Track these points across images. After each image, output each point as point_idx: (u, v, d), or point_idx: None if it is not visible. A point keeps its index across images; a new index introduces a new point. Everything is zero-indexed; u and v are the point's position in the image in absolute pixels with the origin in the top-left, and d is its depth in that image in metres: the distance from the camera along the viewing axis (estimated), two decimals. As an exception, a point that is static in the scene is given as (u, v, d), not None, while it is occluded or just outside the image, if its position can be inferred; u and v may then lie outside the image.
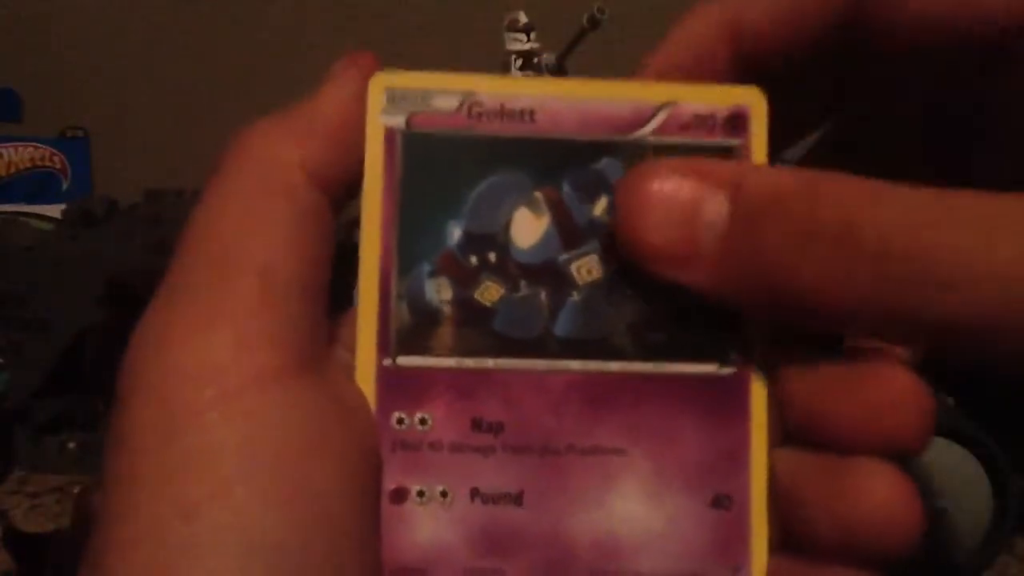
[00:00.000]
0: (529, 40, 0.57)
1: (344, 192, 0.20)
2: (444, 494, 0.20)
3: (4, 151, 0.87)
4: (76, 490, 0.47)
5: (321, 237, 0.20)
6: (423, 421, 0.20)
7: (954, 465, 0.40)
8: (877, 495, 0.18)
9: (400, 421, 0.20)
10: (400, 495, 0.20)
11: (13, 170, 0.87)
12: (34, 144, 0.87)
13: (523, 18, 0.56)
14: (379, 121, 0.20)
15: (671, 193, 0.19)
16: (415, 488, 0.20)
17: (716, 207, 0.18)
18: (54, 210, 0.71)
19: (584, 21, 0.55)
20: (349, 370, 0.20)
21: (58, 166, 0.88)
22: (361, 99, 0.20)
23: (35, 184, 0.87)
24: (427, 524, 0.19)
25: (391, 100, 0.20)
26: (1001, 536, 0.41)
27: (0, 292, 0.56)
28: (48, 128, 0.88)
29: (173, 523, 0.16)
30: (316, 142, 0.20)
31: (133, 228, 0.59)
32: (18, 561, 0.47)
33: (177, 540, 0.16)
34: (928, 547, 0.41)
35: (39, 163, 0.88)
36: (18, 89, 0.87)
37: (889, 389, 0.19)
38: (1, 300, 0.56)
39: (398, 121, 0.20)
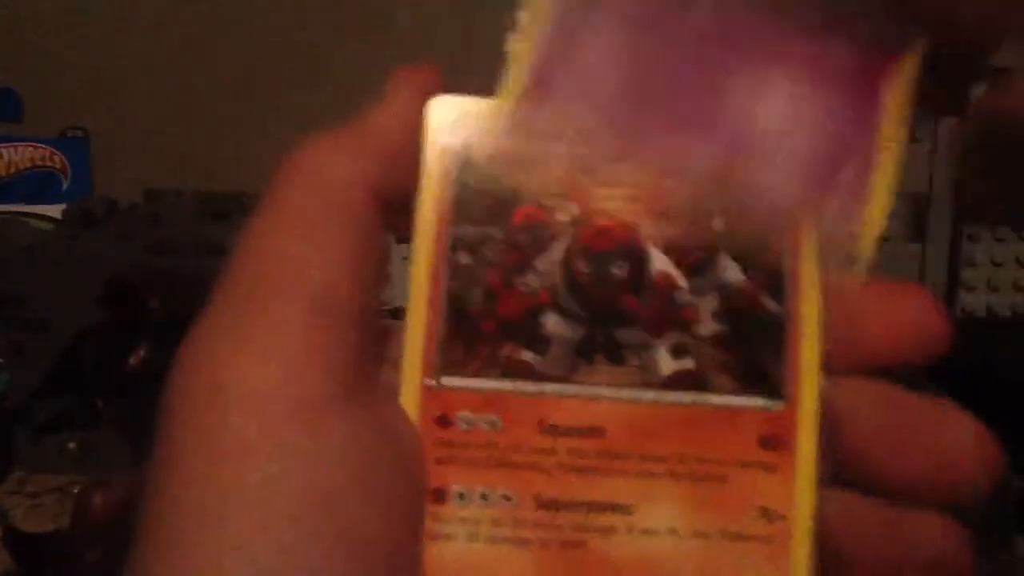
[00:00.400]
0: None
1: (401, 210, 0.20)
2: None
3: (4, 151, 0.87)
4: (76, 490, 0.47)
5: (377, 259, 0.19)
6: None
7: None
8: (934, 549, 0.18)
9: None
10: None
11: (13, 170, 0.87)
12: (34, 144, 0.87)
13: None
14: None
15: None
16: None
17: None
18: (54, 210, 0.71)
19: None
20: (394, 391, 0.20)
21: (58, 166, 0.88)
22: (419, 117, 0.20)
23: (35, 184, 0.87)
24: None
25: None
26: (1001, 536, 0.41)
27: (0, 292, 0.56)
28: (48, 128, 0.88)
29: (218, 556, 0.16)
30: (376, 160, 0.19)
31: (133, 228, 0.59)
32: (18, 561, 0.47)
33: (213, 564, 0.16)
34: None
35: (39, 163, 0.88)
36: (18, 89, 0.87)
37: (957, 440, 0.18)
38: (1, 300, 0.56)
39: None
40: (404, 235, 0.20)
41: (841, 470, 0.20)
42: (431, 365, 0.20)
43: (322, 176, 0.19)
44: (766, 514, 0.20)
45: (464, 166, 0.20)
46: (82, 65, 0.88)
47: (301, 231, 0.19)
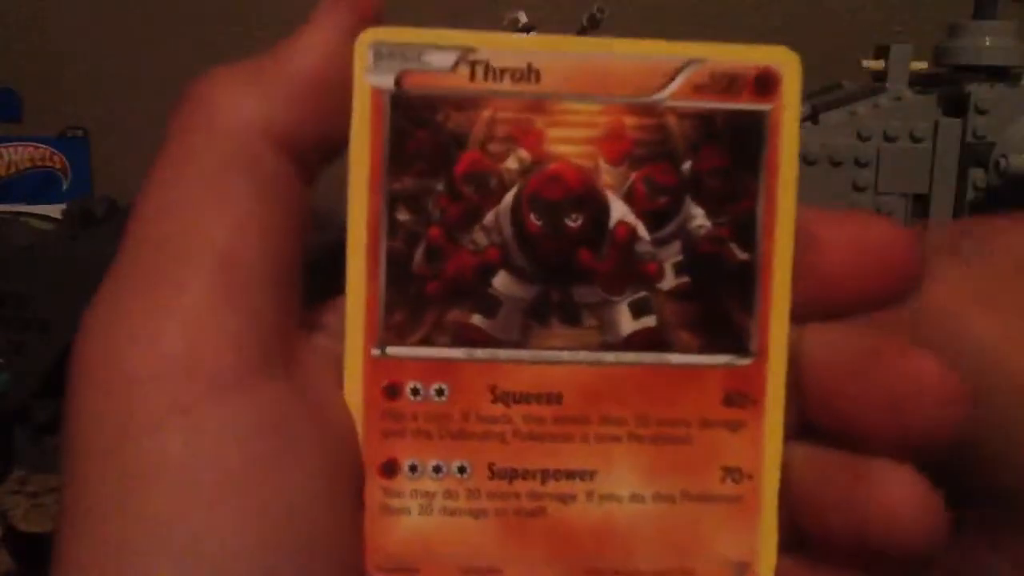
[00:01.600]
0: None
1: (319, 159, 0.18)
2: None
3: (4, 151, 0.87)
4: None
5: (288, 213, 0.17)
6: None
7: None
8: (894, 498, 0.17)
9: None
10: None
11: (13, 170, 0.87)
12: (34, 144, 0.87)
13: (523, 18, 0.56)
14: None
15: None
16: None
17: None
18: (54, 210, 0.71)
19: (584, 21, 0.55)
20: (329, 360, 0.18)
21: (58, 166, 0.88)
22: (341, 50, 0.18)
23: (35, 184, 0.87)
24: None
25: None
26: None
27: (0, 292, 0.56)
28: (48, 128, 0.88)
29: (135, 547, 0.15)
30: (284, 100, 0.17)
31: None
32: (18, 561, 0.47)
33: (134, 562, 0.15)
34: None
35: (39, 163, 0.88)
36: (18, 89, 0.87)
37: (914, 376, 0.17)
38: (1, 300, 0.56)
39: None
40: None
41: (805, 423, 0.19)
42: (375, 333, 0.18)
43: (224, 120, 0.17)
44: (731, 474, 0.19)
45: (399, 109, 0.18)
46: (82, 65, 0.88)
47: (201, 186, 0.17)
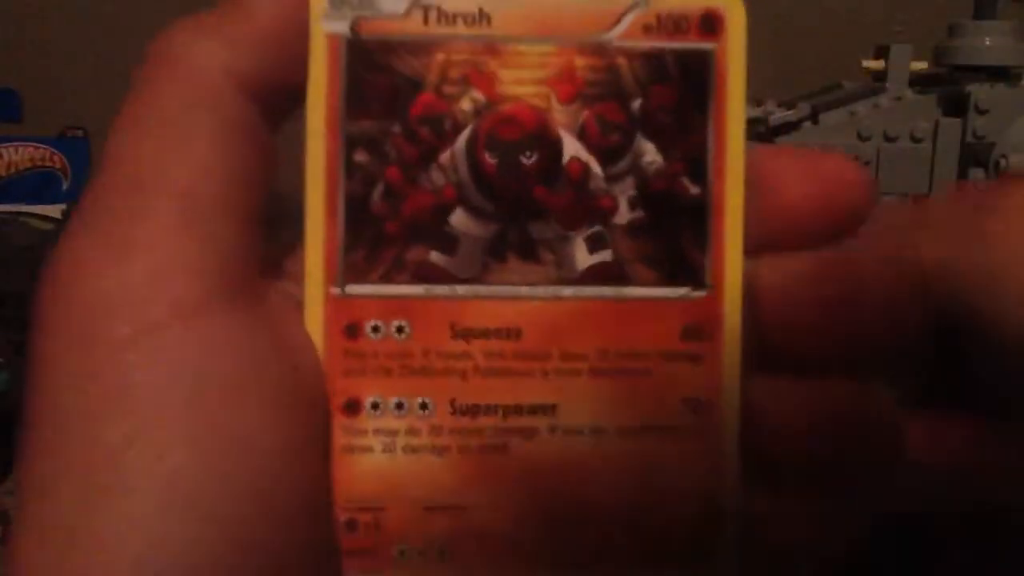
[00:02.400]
0: None
1: (282, 104, 0.18)
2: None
3: (4, 151, 0.87)
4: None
5: (252, 154, 0.18)
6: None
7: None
8: (859, 413, 0.18)
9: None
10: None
11: (13, 170, 0.87)
12: (34, 144, 0.87)
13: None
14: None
15: None
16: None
17: None
18: (54, 210, 0.71)
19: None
20: (293, 303, 0.18)
21: (58, 166, 0.88)
22: None
23: (35, 184, 0.87)
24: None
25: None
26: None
27: (0, 292, 0.56)
28: (48, 128, 0.88)
29: (95, 467, 0.15)
30: (246, 45, 0.18)
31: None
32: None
33: (95, 486, 0.15)
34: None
35: (39, 163, 0.88)
36: (18, 89, 0.87)
37: (876, 290, 0.18)
38: (1, 300, 0.56)
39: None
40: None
41: (763, 352, 0.19)
42: (334, 273, 0.18)
43: (187, 65, 0.18)
44: (692, 405, 0.19)
45: (355, 54, 0.18)
46: (82, 65, 0.88)
47: (166, 126, 0.17)
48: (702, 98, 0.19)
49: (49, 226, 0.67)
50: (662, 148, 0.19)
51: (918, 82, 0.56)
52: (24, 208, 0.77)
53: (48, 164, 0.88)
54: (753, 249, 0.19)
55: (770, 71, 0.82)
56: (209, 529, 0.16)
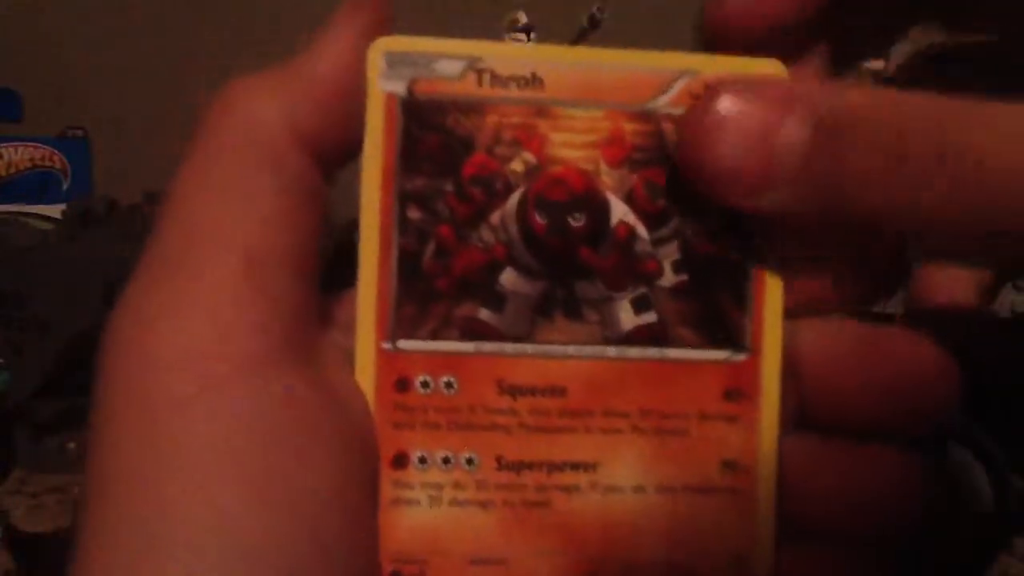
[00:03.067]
0: (529, 40, 0.57)
1: (338, 160, 0.19)
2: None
3: (4, 151, 0.87)
4: (76, 490, 0.47)
5: (311, 210, 0.18)
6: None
7: (953, 465, 0.40)
8: (886, 479, 0.18)
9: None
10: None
11: (13, 170, 0.87)
12: (34, 144, 0.87)
13: (523, 18, 0.56)
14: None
15: (744, 115, 0.17)
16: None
17: (794, 129, 0.17)
18: (54, 210, 0.71)
19: (584, 21, 0.55)
20: (344, 355, 0.19)
21: (58, 166, 0.88)
22: (360, 57, 0.19)
23: (35, 184, 0.87)
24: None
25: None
26: (1000, 536, 0.41)
27: (0, 292, 0.56)
28: (48, 128, 0.88)
29: (152, 521, 0.16)
30: (307, 103, 0.18)
31: (133, 228, 0.59)
32: (18, 561, 0.47)
33: (156, 539, 0.15)
34: (928, 548, 0.41)
35: (39, 163, 0.88)
36: (18, 89, 0.87)
37: (917, 366, 0.18)
38: (1, 300, 0.56)
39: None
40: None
41: (803, 414, 0.19)
42: (386, 328, 0.19)
43: (251, 122, 0.18)
44: (730, 466, 0.19)
45: (411, 113, 0.19)
46: (82, 65, 0.88)
47: (229, 183, 0.18)
48: None
49: (49, 226, 0.67)
50: (707, 214, 0.19)
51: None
52: (24, 208, 0.77)
53: (48, 164, 0.88)
54: (794, 311, 0.20)
55: (770, 71, 0.82)
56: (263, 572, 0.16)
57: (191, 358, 0.16)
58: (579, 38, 0.56)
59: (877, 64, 0.58)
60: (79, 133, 0.89)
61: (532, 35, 0.56)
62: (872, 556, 0.19)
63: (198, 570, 0.15)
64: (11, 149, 0.87)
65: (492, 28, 0.59)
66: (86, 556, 0.16)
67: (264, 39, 0.90)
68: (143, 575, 0.15)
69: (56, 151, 0.88)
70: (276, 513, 0.16)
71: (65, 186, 0.88)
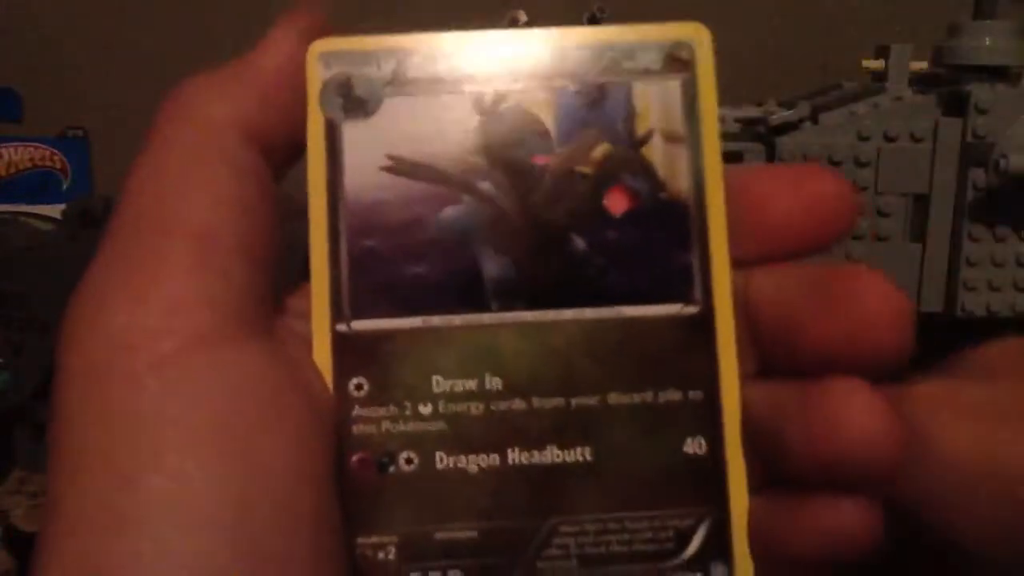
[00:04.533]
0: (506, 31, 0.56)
1: (285, 155, 0.20)
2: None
3: (4, 151, 0.87)
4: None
5: (261, 199, 0.19)
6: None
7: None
8: (854, 417, 0.18)
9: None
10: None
11: (13, 170, 0.87)
12: (34, 144, 0.87)
13: (523, 17, 0.56)
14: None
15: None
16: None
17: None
18: (54, 210, 0.71)
19: (584, 21, 0.55)
20: (302, 338, 0.19)
21: (58, 166, 0.88)
22: (300, 56, 0.20)
23: (35, 184, 0.87)
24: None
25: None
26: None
27: (0, 292, 0.56)
28: (48, 128, 0.88)
29: (114, 495, 0.16)
30: (252, 100, 0.19)
31: (133, 228, 0.59)
32: (18, 561, 0.47)
33: (119, 511, 0.16)
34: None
35: (39, 163, 0.88)
36: (18, 89, 0.87)
37: (865, 300, 0.18)
38: (1, 300, 0.56)
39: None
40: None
41: (765, 366, 0.19)
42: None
43: (200, 117, 0.19)
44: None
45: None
46: (82, 65, 0.88)
47: (180, 172, 0.18)
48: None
49: (49, 226, 0.67)
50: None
51: (918, 82, 0.56)
52: (24, 208, 0.77)
53: (48, 164, 0.88)
54: (744, 263, 0.20)
55: (770, 71, 0.82)
56: (230, 551, 0.16)
57: (144, 334, 0.17)
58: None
59: (876, 64, 0.57)
60: (79, 133, 0.89)
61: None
62: (848, 499, 0.18)
63: (158, 540, 0.15)
64: (11, 149, 0.87)
65: (493, 28, 0.59)
66: (50, 538, 0.16)
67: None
68: (116, 555, 0.15)
69: (56, 151, 0.88)
70: (234, 482, 0.16)
71: (65, 186, 0.88)
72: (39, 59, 0.89)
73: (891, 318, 0.18)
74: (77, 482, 0.16)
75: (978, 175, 0.52)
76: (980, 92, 0.52)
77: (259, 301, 0.18)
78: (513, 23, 0.56)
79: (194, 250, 0.18)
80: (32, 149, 0.87)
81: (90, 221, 0.62)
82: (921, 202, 0.53)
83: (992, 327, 0.53)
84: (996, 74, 0.54)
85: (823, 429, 0.18)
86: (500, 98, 0.20)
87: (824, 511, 0.18)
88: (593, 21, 0.55)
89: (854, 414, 0.18)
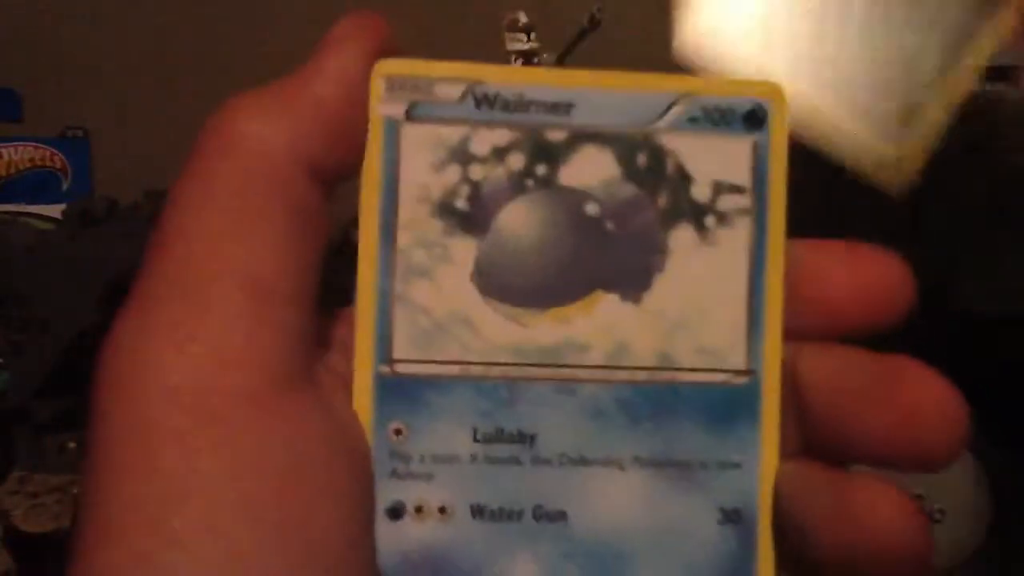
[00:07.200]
0: (529, 40, 0.57)
1: (338, 181, 0.18)
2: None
3: (4, 151, 0.87)
4: (76, 490, 0.47)
5: (314, 236, 0.18)
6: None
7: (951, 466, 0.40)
8: (882, 518, 0.17)
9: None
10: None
11: (13, 170, 0.87)
12: (34, 144, 0.87)
13: (523, 18, 0.56)
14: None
15: None
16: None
17: None
18: (54, 210, 0.71)
19: (584, 21, 0.55)
20: (342, 378, 0.19)
21: (58, 166, 0.88)
22: (362, 79, 0.18)
23: (35, 184, 0.87)
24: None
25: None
26: (998, 536, 0.41)
27: (0, 292, 0.56)
28: (48, 128, 0.88)
29: (159, 552, 0.15)
30: (310, 126, 0.18)
31: (133, 228, 0.59)
32: (18, 561, 0.47)
33: (160, 566, 0.15)
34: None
35: (39, 163, 0.88)
36: (18, 89, 0.87)
37: (921, 396, 0.18)
38: (1, 300, 0.56)
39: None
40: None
41: (807, 444, 0.19)
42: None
43: (254, 144, 0.17)
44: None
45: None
46: (82, 65, 0.88)
47: (230, 209, 0.17)
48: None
49: (49, 226, 0.67)
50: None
51: (918, 82, 0.56)
52: (24, 208, 0.77)
53: (48, 164, 0.88)
54: (794, 338, 0.19)
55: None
56: None
57: (192, 390, 0.16)
58: (579, 38, 0.56)
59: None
60: (79, 133, 0.89)
61: (532, 35, 0.56)
62: None
63: None
64: (11, 149, 0.87)
65: (492, 28, 0.59)
66: None
67: (264, 39, 0.90)
68: None
69: (56, 151, 0.88)
70: (276, 539, 0.16)
71: (65, 186, 0.88)
72: (39, 59, 0.89)
73: (945, 422, 0.18)
74: (119, 539, 0.15)
75: (978, 175, 0.52)
76: (980, 92, 0.52)
77: (305, 348, 0.17)
78: (513, 25, 0.56)
79: (242, 298, 0.16)
80: (32, 149, 0.87)
81: (90, 221, 0.62)
82: (921, 202, 0.53)
83: (992, 327, 0.53)
84: (996, 74, 0.54)
85: (851, 528, 0.18)
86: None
87: None
88: (592, 21, 0.55)
89: (883, 518, 0.17)
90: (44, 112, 0.88)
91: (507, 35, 0.57)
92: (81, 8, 0.88)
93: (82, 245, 0.58)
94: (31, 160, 0.87)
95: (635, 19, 0.64)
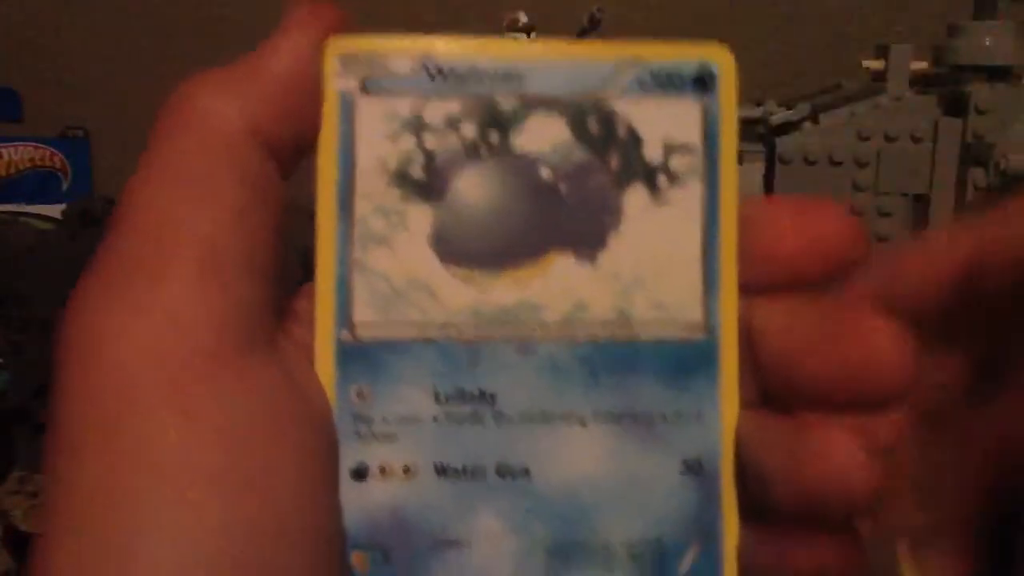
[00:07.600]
0: (529, 40, 0.57)
1: (293, 157, 0.19)
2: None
3: (4, 151, 0.87)
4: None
5: (269, 207, 0.18)
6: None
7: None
8: (834, 462, 0.18)
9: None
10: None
11: (13, 170, 0.87)
12: (34, 144, 0.87)
13: (523, 18, 0.56)
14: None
15: None
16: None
17: None
18: (54, 210, 0.71)
19: (584, 21, 0.55)
20: (304, 347, 0.19)
21: (58, 166, 0.88)
22: (315, 55, 0.19)
23: (35, 184, 0.87)
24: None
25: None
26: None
27: (0, 292, 0.56)
28: (48, 128, 0.88)
29: (118, 516, 0.15)
30: (264, 102, 0.18)
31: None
32: (18, 561, 0.47)
33: (123, 529, 0.15)
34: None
35: (39, 163, 0.88)
36: (18, 89, 0.87)
37: (866, 339, 0.18)
38: (1, 300, 0.56)
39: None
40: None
41: (765, 394, 0.19)
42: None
43: (209, 119, 0.18)
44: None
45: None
46: (82, 65, 0.88)
47: (184, 181, 0.17)
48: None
49: (49, 226, 0.67)
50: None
51: (918, 82, 0.56)
52: (24, 208, 0.77)
53: (48, 164, 0.88)
54: (751, 293, 0.20)
55: (770, 71, 0.82)
56: (235, 571, 0.16)
57: (149, 357, 0.16)
58: (579, 38, 0.56)
59: (876, 64, 0.57)
60: (79, 133, 0.89)
61: (532, 35, 0.56)
62: (827, 535, 0.18)
63: (164, 560, 0.15)
64: (11, 149, 0.87)
65: (492, 28, 0.59)
66: (53, 562, 0.15)
67: (265, 38, 0.90)
68: (111, 570, 0.15)
69: (56, 151, 0.88)
70: (239, 501, 0.16)
71: (65, 186, 0.88)
72: (39, 59, 0.89)
73: (891, 363, 0.18)
74: (83, 506, 0.16)
75: (978, 175, 0.52)
76: (980, 92, 0.52)
77: (263, 314, 0.18)
78: (513, 25, 0.56)
79: (201, 266, 0.17)
80: (32, 149, 0.87)
81: (90, 221, 0.62)
82: (921, 202, 0.54)
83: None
84: (996, 74, 0.54)
85: (804, 472, 0.18)
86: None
87: (801, 547, 0.18)
88: (592, 21, 0.55)
89: (835, 461, 0.18)
90: (44, 112, 0.88)
91: (507, 35, 0.57)
92: (81, 8, 0.88)
93: (82, 245, 0.58)
94: (31, 160, 0.87)
95: (635, 19, 0.64)
